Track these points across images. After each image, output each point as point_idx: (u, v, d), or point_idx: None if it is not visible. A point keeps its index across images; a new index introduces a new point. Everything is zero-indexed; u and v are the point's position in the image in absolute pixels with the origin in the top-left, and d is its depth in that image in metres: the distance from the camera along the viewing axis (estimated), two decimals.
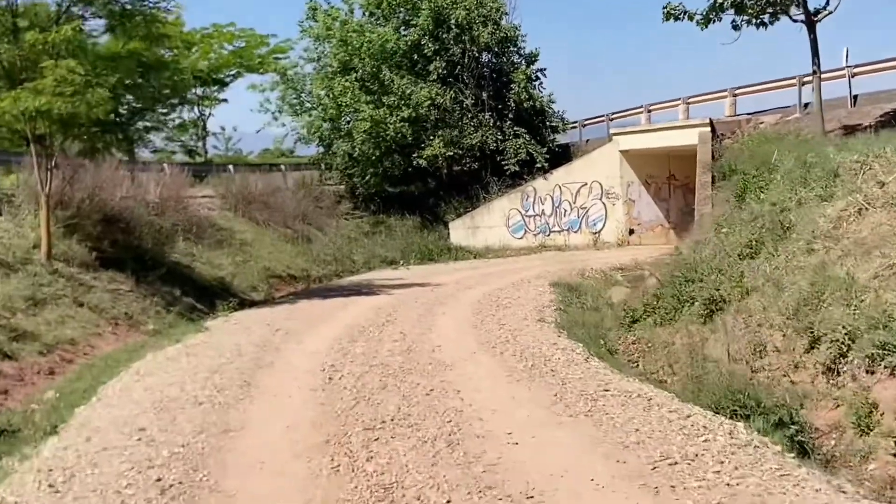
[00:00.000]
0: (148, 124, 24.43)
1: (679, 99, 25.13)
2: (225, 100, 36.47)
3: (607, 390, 7.49)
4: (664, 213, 26.61)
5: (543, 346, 9.97)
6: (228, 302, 15.54)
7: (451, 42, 27.15)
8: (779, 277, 9.20)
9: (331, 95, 27.25)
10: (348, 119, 27.61)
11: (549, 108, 28.20)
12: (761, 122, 22.14)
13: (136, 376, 9.25)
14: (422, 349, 10.24)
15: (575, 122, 29.56)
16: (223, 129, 38.85)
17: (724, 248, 11.46)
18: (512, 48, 27.97)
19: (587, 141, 29.71)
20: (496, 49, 27.37)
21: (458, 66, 27.52)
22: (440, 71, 27.07)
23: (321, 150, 29.71)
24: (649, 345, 10.77)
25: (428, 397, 7.56)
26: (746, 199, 12.40)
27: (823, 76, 20.78)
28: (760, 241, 10.45)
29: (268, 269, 21.41)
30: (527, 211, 26.79)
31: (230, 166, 29.09)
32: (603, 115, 28.70)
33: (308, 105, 28.98)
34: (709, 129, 22.23)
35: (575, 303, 14.67)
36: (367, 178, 28.09)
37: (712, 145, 21.78)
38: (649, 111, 26.60)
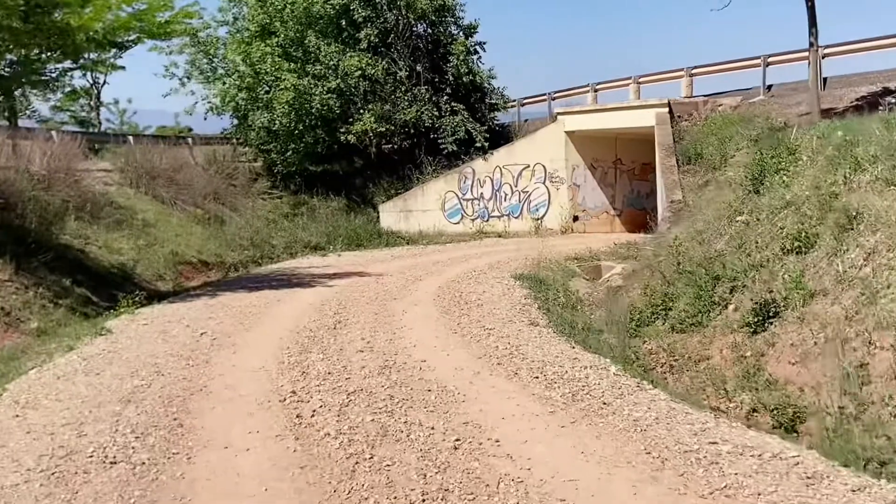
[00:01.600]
0: (34, 78, 20.79)
1: (629, 78, 23.48)
2: (122, 67, 32.57)
3: (715, 443, 5.38)
4: (609, 199, 24.99)
5: (564, 363, 7.82)
6: (133, 295, 12.68)
7: (385, 8, 24.60)
8: (863, 277, 7.34)
9: (248, 62, 24.28)
10: (267, 88, 24.68)
11: (489, 83, 26.04)
12: (720, 105, 20.73)
13: (13, 409, 6.57)
14: (403, 365, 7.93)
15: (513, 100, 27.53)
16: (117, 101, 34.96)
17: (753, 241, 9.60)
18: (450, 18, 25.62)
19: (526, 121, 27.78)
20: (433, 17, 24.96)
21: (392, 35, 24.99)
22: (371, 39, 24.48)
23: (235, 122, 26.61)
24: (675, 357, 8.79)
25: (458, 455, 5.28)
26: (765, 183, 10.57)
27: (789, 58, 19.52)
28: (812, 232, 8.61)
29: (176, 254, 18.51)
30: (464, 194, 24.63)
31: (130, 137, 25.65)
32: (544, 94, 26.83)
33: (221, 72, 25.85)
34: (667, 109, 20.62)
35: (551, 299, 12.63)
36: (288, 154, 25.29)
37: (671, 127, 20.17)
38: (596, 91, 24.88)
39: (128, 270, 16.52)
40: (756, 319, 8.13)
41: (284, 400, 6.67)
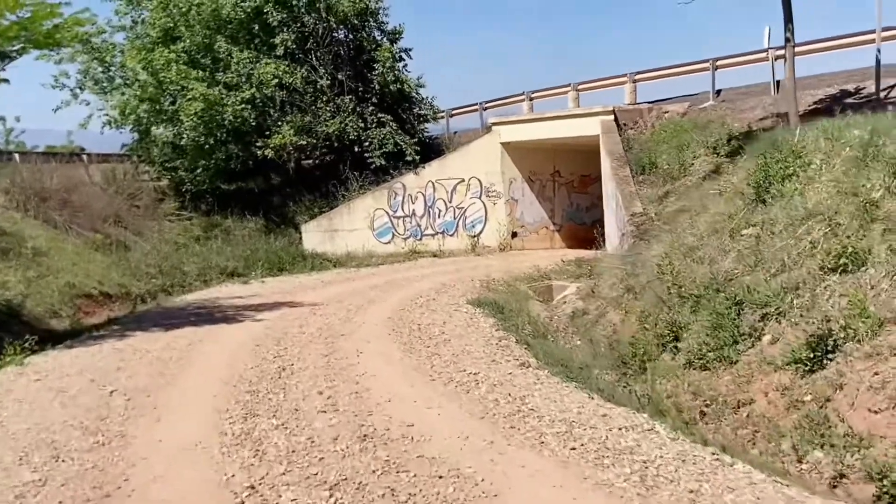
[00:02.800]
0: None
1: (568, 85, 22.30)
2: (6, 80, 29.24)
3: None
4: (549, 213, 23.71)
5: (594, 422, 6.17)
6: (22, 340, 10.30)
7: (302, 11, 22.66)
8: None
9: (149, 70, 21.84)
10: (172, 99, 22.32)
11: (418, 93, 24.40)
12: (666, 112, 19.74)
13: None
14: (386, 433, 6.11)
15: (441, 111, 25.98)
16: (3, 118, 31.53)
17: (775, 258, 8.22)
18: (373, 23, 23.88)
19: (455, 133, 26.27)
20: (355, 22, 23.15)
21: (311, 41, 23.06)
22: (288, 45, 22.48)
23: (136, 136, 24.01)
24: (705, 401, 7.27)
25: None
26: (772, 192, 9.26)
27: (739, 61, 18.70)
28: (860, 247, 7.26)
29: (72, 286, 15.94)
30: (395, 211, 22.84)
31: (16, 155, 22.71)
32: (475, 104, 25.38)
33: (119, 81, 23.27)
34: (612, 117, 19.46)
35: (523, 330, 11.02)
36: (198, 171, 22.93)
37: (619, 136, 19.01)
38: (531, 99, 23.60)
39: (15, 307, 13.96)
40: (810, 355, 6.70)
41: None
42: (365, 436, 6.01)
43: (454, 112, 26.45)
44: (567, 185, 24.07)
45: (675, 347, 8.22)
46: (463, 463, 5.36)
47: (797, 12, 12.80)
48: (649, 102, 20.55)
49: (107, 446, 6.17)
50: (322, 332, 10.77)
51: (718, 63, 18.75)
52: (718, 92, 19.09)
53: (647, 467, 5.15)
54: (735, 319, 7.75)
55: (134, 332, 11.48)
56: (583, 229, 24.17)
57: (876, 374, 6.13)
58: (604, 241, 18.89)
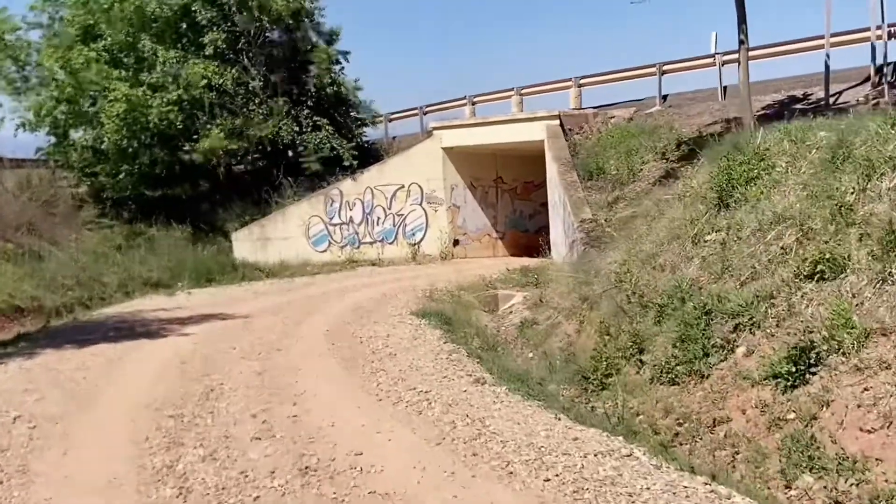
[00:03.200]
0: None
1: (511, 89, 21.81)
2: None
3: None
4: (491, 221, 23.13)
5: (565, 447, 5.49)
6: None
7: (233, 9, 21.63)
8: None
9: (68, 69, 20.52)
10: (93, 101, 21.02)
11: (355, 96, 23.58)
12: (612, 117, 19.43)
13: None
14: (331, 463, 5.31)
15: (380, 115, 25.18)
16: None
17: (744, 265, 7.74)
18: (308, 23, 22.96)
19: (394, 138, 25.52)
20: (290, 22, 22.21)
21: (242, 40, 22.03)
22: (218, 45, 21.37)
23: (52, 140, 22.55)
24: (678, 419, 6.70)
25: None
26: (735, 196, 8.80)
27: (687, 65, 18.51)
28: (838, 252, 6.81)
29: None
30: (331, 218, 21.93)
31: None
32: (415, 108, 24.69)
33: (35, 81, 21.84)
34: (558, 122, 19.03)
35: (472, 342, 10.36)
36: (120, 177, 21.63)
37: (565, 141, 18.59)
38: (474, 104, 23.04)
39: None
40: (791, 369, 6.18)
41: None
42: (307, 468, 5.20)
43: (393, 116, 25.70)
44: (510, 192, 23.56)
45: (640, 361, 7.65)
46: (422, 499, 4.62)
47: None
48: (595, 107, 20.21)
49: (4, 484, 5.24)
50: (255, 348, 9.87)
51: (665, 68, 18.51)
52: (665, 97, 18.85)
53: (634, 503, 4.51)
54: (705, 330, 7.21)
55: (45, 350, 10.34)
56: (526, 237, 23.74)
57: (866, 389, 5.64)
58: (549, 248, 18.47)
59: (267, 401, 7.04)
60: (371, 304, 13.99)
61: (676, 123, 17.02)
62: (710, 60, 17.77)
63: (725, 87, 17.66)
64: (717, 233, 8.45)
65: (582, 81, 20.35)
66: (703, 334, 7.17)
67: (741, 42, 12.39)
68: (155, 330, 11.88)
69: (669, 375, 7.22)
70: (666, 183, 14.42)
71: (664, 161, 15.87)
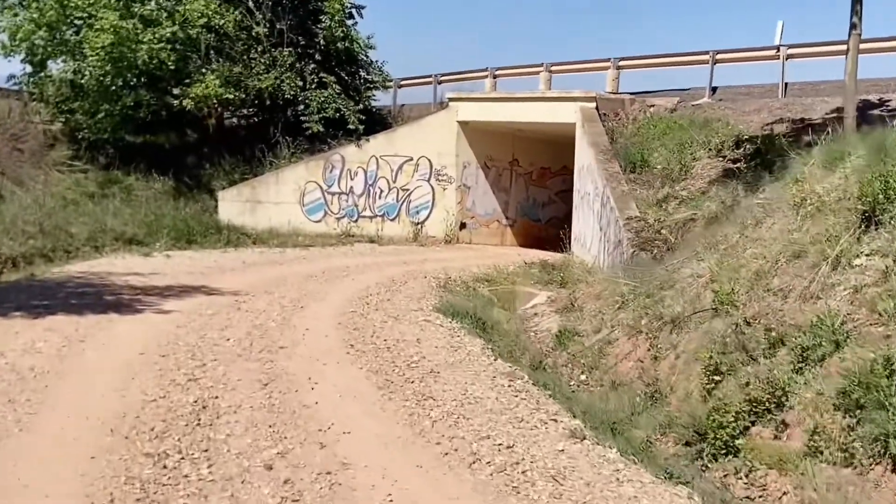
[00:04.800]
0: None
1: (541, 65, 19.82)
2: None
3: None
4: (503, 206, 21.22)
5: None
6: None
7: None
8: None
9: None
10: (76, 29, 18.67)
11: (367, 55, 21.43)
12: (651, 105, 17.55)
13: None
14: None
15: (390, 80, 23.03)
16: None
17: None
18: None
19: (403, 106, 23.45)
20: None
21: None
22: None
23: (28, 69, 20.12)
24: None
25: None
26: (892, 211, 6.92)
27: (744, 56, 16.70)
28: None
29: None
30: (330, 186, 19.86)
31: None
32: (429, 76, 22.60)
33: (14, 0, 19.39)
34: (594, 104, 17.11)
35: (521, 357, 8.49)
36: (99, 116, 19.27)
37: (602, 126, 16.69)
38: (495, 77, 21.02)
39: None
40: None
41: None
42: None
43: (404, 82, 23.56)
44: (525, 177, 21.65)
45: (783, 423, 5.79)
46: None
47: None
48: (632, 93, 18.32)
49: None
50: (254, 341, 7.91)
51: (719, 56, 16.64)
52: (714, 89, 16.99)
53: None
54: (892, 397, 5.32)
55: None
56: (537, 227, 21.93)
57: None
58: (568, 243, 16.67)
59: (282, 435, 5.11)
60: (381, 291, 12.07)
61: (731, 119, 15.19)
62: (772, 52, 15.94)
63: (787, 84, 15.84)
64: (874, 257, 6.59)
65: (621, 63, 18.43)
66: (891, 402, 5.29)
67: (853, 27, 10.51)
68: (127, 301, 9.85)
69: (840, 454, 5.33)
70: (726, 183, 12.61)
71: (720, 159, 14.05)
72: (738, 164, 13.42)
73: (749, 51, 16.34)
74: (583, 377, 8.80)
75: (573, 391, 7.84)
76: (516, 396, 6.37)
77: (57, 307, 9.08)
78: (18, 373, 6.20)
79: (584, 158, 16.25)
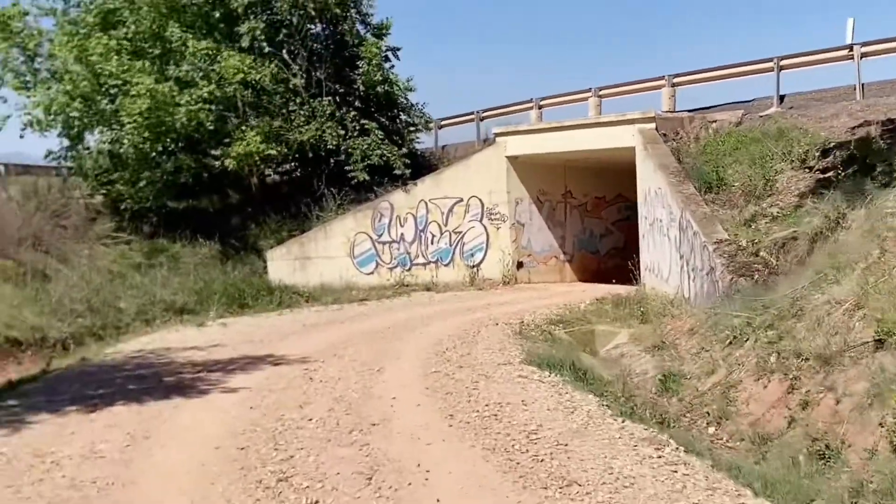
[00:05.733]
0: None
1: (588, 90, 18.91)
2: None
3: None
4: (559, 241, 20.22)
5: None
6: None
7: None
8: None
9: (84, 61, 17.80)
10: (112, 97, 18.27)
11: (407, 98, 20.72)
12: (713, 121, 16.50)
13: None
14: None
15: (431, 120, 22.28)
16: None
17: None
18: (355, 14, 20.20)
19: (444, 147, 22.67)
20: (336, 11, 19.42)
21: (283, 31, 19.29)
22: (256, 35, 18.57)
23: (65, 143, 19.78)
24: None
25: None
26: None
27: (814, 59, 15.65)
28: None
29: None
30: (380, 235, 19.01)
31: None
32: (471, 113, 21.80)
33: (46, 74, 19.13)
34: (653, 125, 16.13)
35: (644, 411, 7.41)
36: (140, 185, 18.84)
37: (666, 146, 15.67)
38: (541, 107, 20.15)
39: None
40: None
41: None
42: None
43: (444, 122, 22.80)
44: (580, 209, 20.67)
45: None
46: None
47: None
48: (689, 110, 17.30)
49: None
50: (339, 419, 6.95)
51: (784, 63, 15.59)
52: (782, 98, 15.91)
53: None
54: None
55: (39, 415, 7.47)
56: (596, 260, 20.94)
57: None
58: (637, 275, 15.63)
59: None
60: (456, 343, 11.11)
61: (809, 127, 14.08)
62: (844, 53, 14.86)
63: (863, 84, 14.72)
64: None
65: (676, 80, 17.44)
66: None
67: None
68: (189, 381, 8.98)
69: None
70: (820, 195, 11.52)
71: (806, 170, 12.96)
72: (829, 174, 12.33)
73: (818, 53, 15.26)
74: (711, 430, 7.70)
75: (709, 449, 6.72)
76: (675, 472, 5.29)
77: (115, 396, 8.23)
78: (79, 488, 5.30)
79: (652, 182, 15.23)
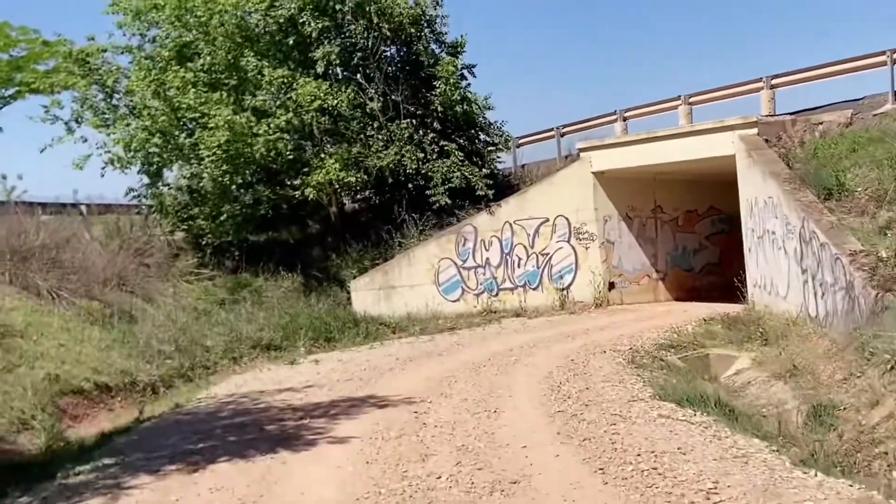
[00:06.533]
0: None
1: (677, 98, 17.90)
2: None
3: None
4: (650, 259, 19.15)
5: None
6: None
7: (348, 17, 18.46)
8: None
9: (161, 95, 17.66)
10: (190, 131, 18.10)
11: (485, 117, 20.00)
12: (819, 123, 15.33)
13: None
14: None
15: (510, 139, 21.50)
16: (4, 176, 26.79)
17: None
18: (429, 33, 19.65)
19: (523, 166, 21.87)
20: (411, 31, 18.91)
21: (358, 55, 18.84)
22: (331, 60, 18.14)
23: (144, 180, 19.66)
24: None
25: None
26: None
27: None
28: None
29: (56, 378, 11.38)
30: (465, 261, 18.27)
31: None
32: (550, 129, 20.98)
33: (125, 111, 19.08)
34: (755, 130, 15.05)
35: (820, 458, 6.43)
36: (221, 219, 18.55)
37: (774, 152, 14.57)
38: (625, 119, 19.19)
39: None
40: None
41: None
42: None
43: (522, 140, 22.01)
44: (671, 224, 19.58)
45: None
46: None
47: None
48: (790, 113, 16.15)
49: None
50: (472, 475, 6.18)
51: None
52: None
53: None
54: None
55: (138, 476, 6.89)
56: (691, 277, 19.82)
57: None
58: (745, 292, 14.58)
59: None
60: (568, 376, 10.33)
61: None
62: None
63: None
64: None
65: (775, 81, 16.31)
66: None
67: None
68: (293, 430, 8.34)
69: None
70: None
71: None
72: None
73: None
74: (895, 474, 6.65)
75: None
76: None
77: (216, 450, 7.63)
78: None
79: (760, 191, 14.14)
